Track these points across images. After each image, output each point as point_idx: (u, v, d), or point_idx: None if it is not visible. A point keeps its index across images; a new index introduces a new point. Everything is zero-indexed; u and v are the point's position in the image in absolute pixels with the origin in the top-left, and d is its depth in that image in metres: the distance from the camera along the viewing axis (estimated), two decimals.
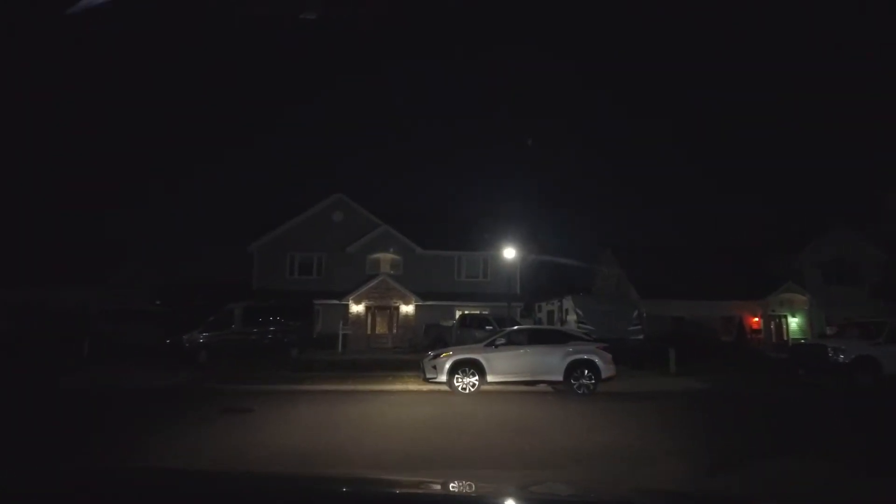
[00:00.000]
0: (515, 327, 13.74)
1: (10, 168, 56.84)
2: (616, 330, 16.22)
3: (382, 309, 24.67)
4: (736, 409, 9.60)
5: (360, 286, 24.20)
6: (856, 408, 9.82)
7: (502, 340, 11.26)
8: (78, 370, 13.25)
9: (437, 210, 29.83)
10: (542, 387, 11.17)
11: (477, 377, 10.63)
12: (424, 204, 60.61)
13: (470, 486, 1.77)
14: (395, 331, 24.54)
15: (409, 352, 20.22)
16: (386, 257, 25.55)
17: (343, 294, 23.86)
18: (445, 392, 10.64)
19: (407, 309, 24.54)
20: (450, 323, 21.70)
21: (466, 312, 22.75)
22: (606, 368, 10.92)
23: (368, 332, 24.32)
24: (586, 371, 10.79)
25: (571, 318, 17.41)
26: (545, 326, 16.94)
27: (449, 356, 10.90)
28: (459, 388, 10.54)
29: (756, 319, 25.48)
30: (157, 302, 24.40)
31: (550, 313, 19.60)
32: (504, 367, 10.79)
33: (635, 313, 18.31)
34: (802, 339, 23.47)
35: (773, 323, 25.97)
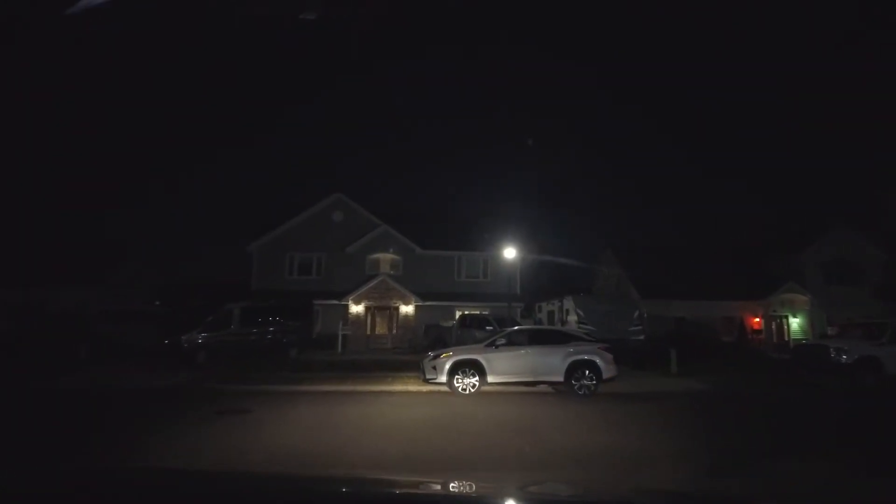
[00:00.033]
0: (516, 328, 13.67)
1: (9, 168, 56.80)
2: (617, 330, 16.17)
3: (382, 309, 24.61)
4: (738, 410, 9.54)
5: (360, 286, 24.15)
6: (858, 408, 9.77)
7: (503, 341, 11.20)
8: (76, 371, 13.20)
9: (437, 210, 29.83)
10: (542, 387, 11.11)
11: (477, 378, 10.57)
12: (424, 204, 60.61)
13: (470, 486, 1.78)
14: (394, 331, 24.48)
15: (409, 352, 20.18)
16: (386, 257, 25.50)
17: (342, 294, 23.81)
18: (445, 393, 10.58)
19: (407, 309, 24.49)
20: (450, 323, 21.64)
21: (466, 313, 22.69)
22: (608, 369, 10.86)
23: (368, 332, 24.27)
24: (587, 372, 10.73)
25: (572, 318, 17.35)
26: (546, 327, 16.87)
27: (449, 357, 10.84)
28: (459, 389, 10.48)
29: (757, 320, 25.44)
30: (157, 302, 24.34)
31: (551, 313, 19.55)
32: (504, 367, 10.73)
33: (636, 313, 18.26)
34: (804, 339, 23.42)
35: (774, 323, 25.93)
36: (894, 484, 4.64)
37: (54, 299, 20.20)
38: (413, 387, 11.53)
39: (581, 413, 8.64)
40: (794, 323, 25.84)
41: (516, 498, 1.59)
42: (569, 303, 18.04)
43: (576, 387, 10.62)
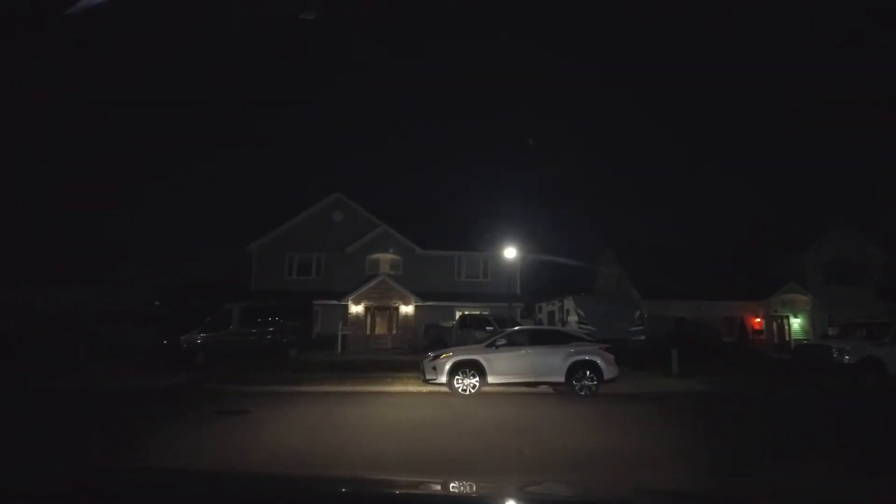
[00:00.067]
0: (516, 328, 13.61)
1: (9, 168, 56.75)
2: (617, 330, 16.11)
3: (382, 309, 24.56)
4: (739, 411, 9.49)
5: (360, 286, 24.10)
6: (860, 409, 9.72)
7: (503, 341, 11.14)
8: (75, 371, 13.15)
9: (437, 210, 29.79)
10: (543, 388, 11.05)
11: (477, 378, 10.51)
12: (424, 204, 60.61)
13: (469, 486, 1.77)
14: (394, 331, 24.44)
15: (409, 353, 20.13)
16: (385, 257, 25.45)
17: (342, 294, 23.76)
18: (445, 393, 10.52)
19: (406, 309, 24.44)
20: (450, 323, 21.59)
21: (466, 313, 22.65)
22: (609, 370, 10.80)
23: (368, 332, 24.22)
24: (588, 372, 10.67)
25: (572, 318, 17.29)
26: (546, 327, 16.81)
27: (449, 357, 10.78)
28: (459, 390, 10.42)
29: (758, 320, 25.40)
30: (157, 303, 24.30)
31: (551, 314, 19.48)
32: (505, 368, 10.67)
33: (637, 314, 18.19)
34: (805, 339, 23.39)
35: (775, 323, 25.88)
36: (894, 484, 4.62)
37: (54, 299, 20.16)
38: (413, 387, 11.47)
39: (582, 414, 8.59)
40: (795, 323, 25.80)
41: (516, 498, 1.58)
42: (569, 303, 17.97)
43: (577, 387, 10.56)
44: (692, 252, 28.05)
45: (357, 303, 24.16)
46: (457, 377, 10.49)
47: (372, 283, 24.19)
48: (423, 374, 10.95)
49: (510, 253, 19.74)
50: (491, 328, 18.18)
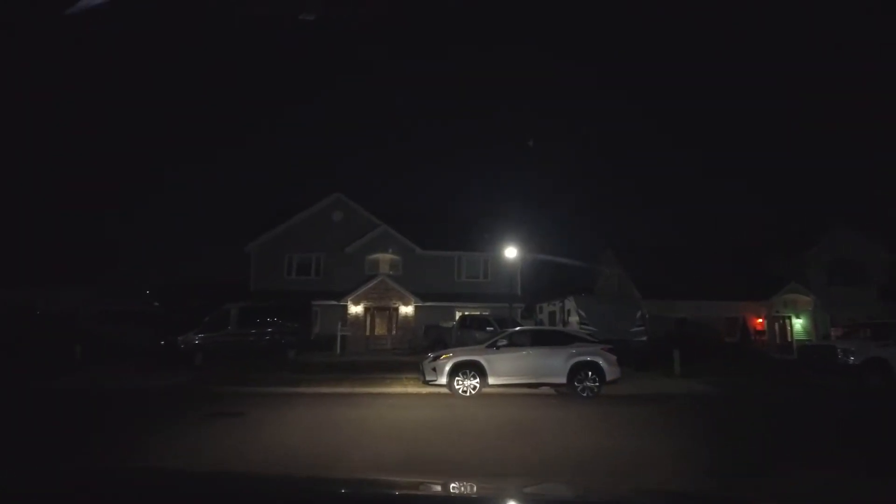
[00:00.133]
0: (517, 328, 13.49)
1: (9, 168, 56.64)
2: (619, 331, 15.96)
3: (381, 310, 24.43)
4: (742, 412, 9.40)
5: (359, 287, 23.98)
6: (864, 409, 9.63)
7: (504, 342, 11.01)
8: (71, 372, 13.03)
9: (437, 210, 29.67)
10: (544, 389, 10.93)
11: (478, 379, 10.38)
12: (424, 204, 60.59)
13: (470, 487, 1.77)
14: (394, 332, 24.30)
15: (409, 353, 20.01)
16: (385, 257, 25.32)
17: (342, 295, 23.63)
18: (445, 395, 10.40)
19: (406, 310, 24.30)
20: (450, 324, 21.47)
21: (467, 313, 22.53)
22: (611, 370, 10.67)
23: (367, 333, 24.09)
24: (590, 373, 10.54)
25: (573, 318, 17.16)
26: (548, 327, 16.69)
27: (449, 358, 10.65)
28: (460, 391, 10.29)
29: (760, 320, 25.25)
30: (156, 303, 24.20)
31: (552, 314, 19.36)
32: (506, 369, 10.54)
33: (638, 314, 18.06)
34: (807, 340, 23.28)
35: (776, 324, 25.74)
36: (894, 484, 4.61)
37: (54, 299, 20.08)
38: (412, 388, 11.35)
39: (584, 415, 8.48)
40: (797, 324, 25.66)
41: (516, 499, 1.59)
42: (570, 303, 17.84)
43: (578, 388, 10.43)
44: (693, 252, 27.92)
45: (356, 303, 24.03)
46: (457, 378, 10.36)
47: (371, 284, 24.07)
48: (423, 376, 10.82)
49: (510, 253, 19.62)
50: (491, 329, 18.03)
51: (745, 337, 23.81)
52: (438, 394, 10.57)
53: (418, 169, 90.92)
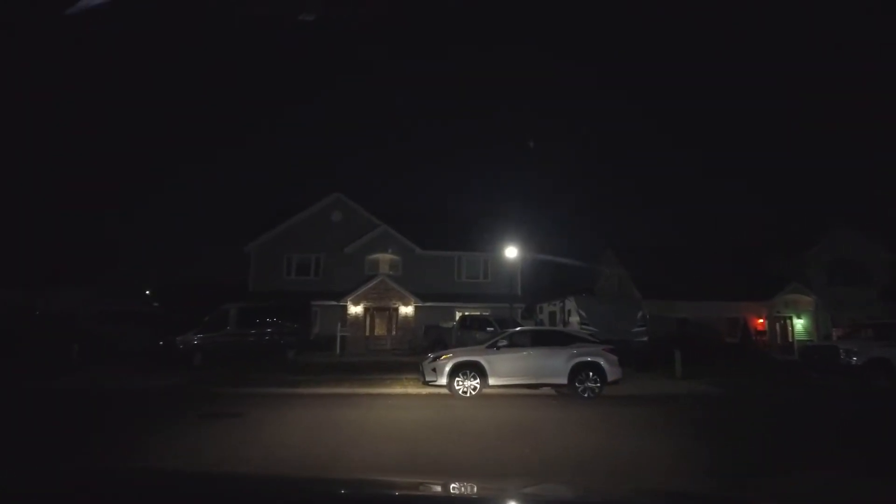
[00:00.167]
0: (518, 328, 13.42)
1: (9, 168, 56.60)
2: (620, 331, 15.88)
3: (381, 310, 24.36)
4: (744, 413, 9.32)
5: (359, 287, 23.91)
6: (867, 410, 9.57)
7: (504, 342, 10.93)
8: (68, 373, 12.97)
9: (437, 210, 29.55)
10: (545, 390, 10.87)
11: (478, 380, 10.31)
12: (424, 204, 60.33)
13: (470, 488, 1.77)
14: (394, 332, 24.23)
15: (409, 354, 19.95)
16: (385, 258, 25.25)
17: (341, 295, 23.56)
18: (445, 395, 10.34)
19: (406, 310, 24.23)
20: (450, 324, 21.39)
21: (467, 314, 22.46)
22: (612, 371, 10.59)
23: (367, 333, 24.02)
24: (591, 374, 10.47)
25: (574, 319, 17.08)
26: (548, 328, 16.61)
27: (449, 358, 10.58)
28: (460, 392, 10.22)
29: (761, 321, 25.17)
30: (156, 303, 24.16)
31: (552, 314, 19.28)
32: (506, 369, 10.46)
33: (639, 314, 17.97)
34: (808, 340, 23.20)
35: (778, 324, 25.65)
36: (894, 484, 4.61)
37: (54, 299, 20.04)
38: (412, 389, 11.28)
39: (585, 416, 8.41)
40: (799, 324, 25.57)
41: (516, 500, 1.59)
42: (571, 303, 17.76)
43: (579, 389, 10.35)
44: (693, 252, 27.83)
45: (356, 303, 23.95)
46: (457, 379, 10.29)
47: (371, 284, 24.00)
48: (423, 376, 10.75)
49: (511, 253, 19.55)
50: (492, 329, 17.96)
51: (746, 337, 23.73)
52: (438, 394, 10.50)
53: (418, 169, 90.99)
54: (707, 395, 11.25)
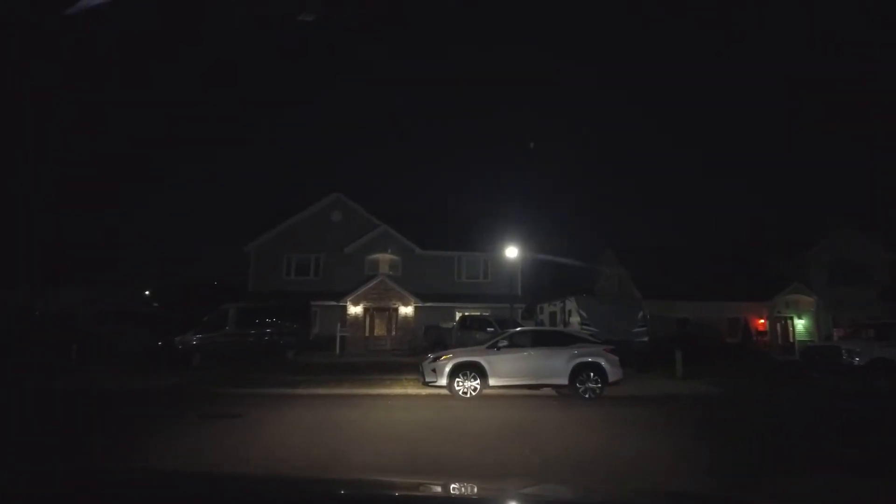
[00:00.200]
0: (518, 329, 13.39)
1: (10, 168, 56.59)
2: (620, 331, 15.85)
3: (381, 310, 24.32)
4: (746, 413, 9.30)
5: (359, 287, 23.87)
6: (869, 410, 9.54)
7: (504, 342, 10.90)
8: (68, 373, 12.95)
9: (437, 210, 29.54)
10: (546, 391, 10.83)
11: (478, 381, 10.28)
12: (424, 204, 60.41)
13: (470, 488, 1.76)
14: (393, 333, 24.19)
15: (409, 354, 19.93)
16: (385, 258, 25.21)
17: (341, 295, 23.53)
18: (446, 396, 10.31)
19: (406, 310, 24.19)
20: (450, 325, 21.35)
21: (467, 314, 22.40)
22: (613, 372, 10.56)
23: (367, 333, 23.99)
24: (592, 374, 10.44)
25: (574, 319, 17.04)
26: (549, 328, 16.58)
27: (449, 359, 10.55)
28: (460, 393, 10.19)
29: (762, 321, 25.14)
30: (155, 304, 24.14)
31: (553, 314, 19.25)
32: (507, 370, 10.43)
33: (640, 314, 17.93)
34: (809, 340, 23.17)
35: (778, 324, 25.62)
36: (894, 484, 4.61)
37: (54, 299, 20.03)
38: (412, 390, 11.25)
39: (586, 417, 8.38)
40: (799, 324, 25.54)
41: (516, 500, 1.60)
42: (571, 304, 17.72)
43: (580, 390, 10.32)
44: (693, 252, 27.82)
45: (356, 304, 23.92)
46: (457, 379, 10.26)
47: (371, 284, 23.96)
48: (423, 377, 10.72)
49: (511, 253, 19.51)
50: (492, 329, 17.93)
51: (746, 338, 23.70)
52: (438, 395, 10.48)
53: (418, 169, 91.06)
54: (708, 396, 11.23)
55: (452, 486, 1.80)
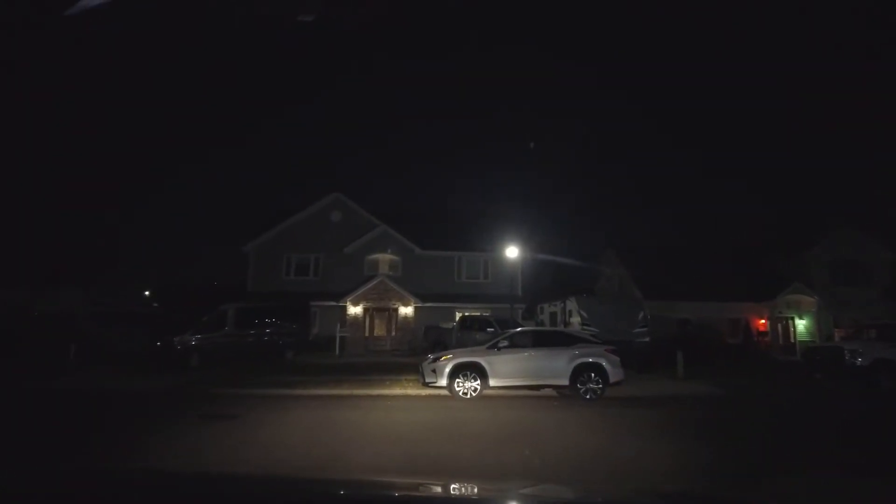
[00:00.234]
0: (518, 329, 13.35)
1: (10, 168, 56.60)
2: (621, 332, 15.82)
3: (381, 311, 24.29)
4: (748, 414, 9.27)
5: (358, 287, 23.84)
6: (871, 411, 9.51)
7: (505, 343, 10.87)
8: (67, 374, 12.93)
9: (437, 210, 29.50)
10: (546, 391, 10.80)
11: (478, 381, 10.25)
12: (424, 204, 60.35)
13: (470, 489, 1.76)
14: (393, 333, 24.16)
15: (409, 355, 19.90)
16: (384, 258, 25.18)
17: (341, 295, 23.49)
18: (446, 397, 10.28)
19: (406, 311, 24.16)
20: (450, 325, 21.30)
21: (467, 314, 22.36)
22: (614, 372, 10.52)
23: (366, 334, 23.95)
24: (593, 375, 10.40)
25: (575, 319, 17.02)
26: (550, 328, 16.55)
27: (449, 359, 10.52)
28: (460, 393, 10.16)
29: (763, 321, 25.11)
30: (155, 304, 24.12)
31: (553, 315, 19.23)
32: (507, 370, 10.40)
33: (641, 315, 17.91)
34: (810, 341, 23.13)
35: (780, 325, 25.59)
36: (894, 484, 4.61)
37: (54, 299, 20.00)
38: (412, 390, 11.22)
39: (586, 417, 8.36)
40: (801, 325, 25.50)
41: (516, 500, 1.60)
42: (572, 304, 17.69)
43: (581, 391, 10.29)
44: (694, 252, 27.79)
45: (356, 304, 23.89)
46: (457, 380, 10.23)
47: (371, 284, 23.93)
48: (423, 377, 10.69)
49: (511, 253, 19.48)
50: (492, 330, 17.88)
51: (747, 338, 23.67)
52: (438, 396, 10.45)
53: (418, 169, 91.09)
54: (709, 396, 11.20)
55: (452, 486, 1.80)
